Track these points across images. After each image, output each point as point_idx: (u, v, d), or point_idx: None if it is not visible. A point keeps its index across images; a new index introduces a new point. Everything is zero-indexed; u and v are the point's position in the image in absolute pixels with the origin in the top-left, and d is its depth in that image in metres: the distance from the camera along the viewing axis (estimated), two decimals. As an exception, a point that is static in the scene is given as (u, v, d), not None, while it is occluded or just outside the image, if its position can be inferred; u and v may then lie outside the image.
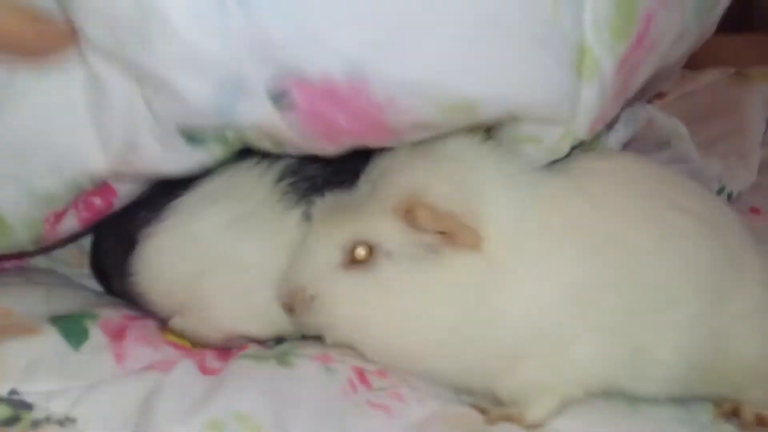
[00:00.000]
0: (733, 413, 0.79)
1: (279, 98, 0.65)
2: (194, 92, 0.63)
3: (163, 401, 0.64)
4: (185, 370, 0.70)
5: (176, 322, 0.86)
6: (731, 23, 1.15)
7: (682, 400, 0.80)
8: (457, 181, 0.76)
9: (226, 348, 0.85)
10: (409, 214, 0.74)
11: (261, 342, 0.86)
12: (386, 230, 0.76)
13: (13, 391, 0.63)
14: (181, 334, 0.86)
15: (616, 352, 0.75)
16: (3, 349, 0.66)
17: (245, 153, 0.91)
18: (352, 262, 0.77)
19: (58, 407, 0.62)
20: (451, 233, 0.74)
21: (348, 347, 0.79)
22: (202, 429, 0.61)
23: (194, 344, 0.84)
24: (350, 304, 0.77)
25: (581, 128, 0.74)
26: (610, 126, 0.96)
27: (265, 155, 0.91)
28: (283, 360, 0.74)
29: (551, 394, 0.77)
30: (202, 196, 0.88)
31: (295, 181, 0.89)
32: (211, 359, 0.78)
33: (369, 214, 0.77)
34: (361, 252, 0.77)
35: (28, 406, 0.62)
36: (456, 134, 0.78)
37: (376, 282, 0.76)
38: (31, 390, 0.63)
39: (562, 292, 0.74)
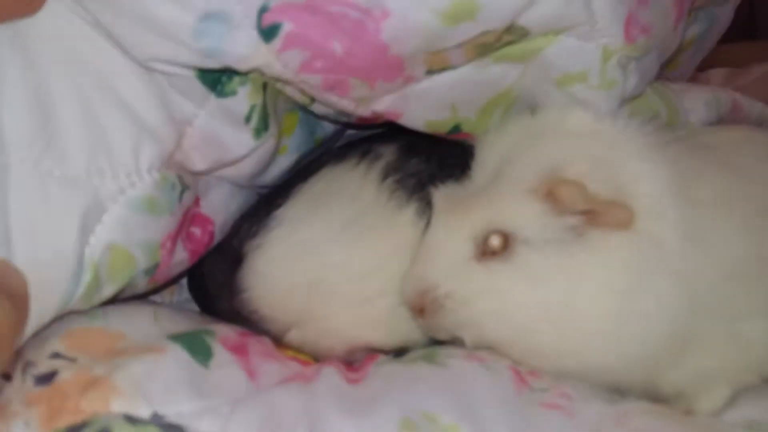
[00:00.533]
0: None
1: (268, 32, 0.61)
2: (176, 23, 0.59)
3: (324, 408, 0.57)
4: (331, 378, 0.63)
5: (294, 336, 0.79)
6: (735, 31, 1.12)
7: None
8: (597, 158, 0.70)
9: (349, 362, 0.79)
10: (551, 194, 0.68)
11: (385, 353, 0.79)
12: (522, 215, 0.70)
13: (155, 415, 0.56)
14: (299, 349, 0.79)
15: (787, 329, 0.68)
16: (132, 369, 0.60)
17: (341, 156, 0.88)
18: (485, 253, 0.71)
19: (210, 426, 0.56)
20: (598, 211, 0.67)
21: (491, 347, 0.72)
22: (399, 429, 0.54)
23: (316, 358, 0.78)
24: (490, 298, 0.70)
25: (614, 36, 0.67)
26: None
27: (362, 155, 0.86)
28: (432, 360, 0.67)
29: (723, 382, 0.70)
30: (308, 202, 0.83)
31: (401, 178, 0.83)
32: (345, 372, 0.71)
33: (499, 200, 0.71)
34: (495, 241, 0.71)
35: (178, 429, 0.55)
36: (572, 110, 0.73)
37: (517, 272, 0.70)
38: (176, 411, 0.57)
39: (728, 268, 0.67)
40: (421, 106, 0.75)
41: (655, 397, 0.71)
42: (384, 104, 0.74)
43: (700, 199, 0.69)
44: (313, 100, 0.75)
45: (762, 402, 0.68)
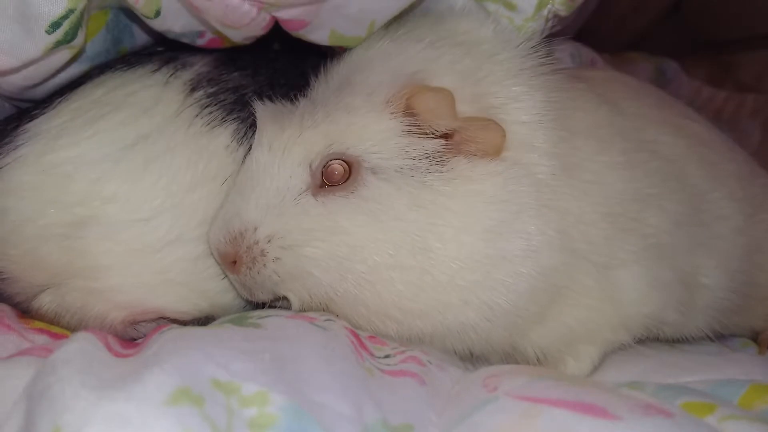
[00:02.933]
0: (774, 344, 0.68)
1: None
2: None
3: (58, 385, 0.36)
4: (81, 347, 0.41)
5: (47, 301, 0.56)
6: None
7: (721, 339, 0.67)
8: (468, 72, 0.56)
9: (131, 338, 0.57)
10: (410, 107, 0.53)
11: (182, 324, 0.59)
12: (371, 136, 0.55)
13: None
14: (55, 318, 0.56)
15: (664, 278, 0.60)
16: None
17: (133, 62, 0.66)
18: (323, 184, 0.55)
19: None
20: (465, 133, 0.54)
21: (325, 309, 0.55)
22: (166, 403, 0.34)
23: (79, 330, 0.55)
24: (326, 241, 0.54)
25: None
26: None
27: (165, 62, 0.65)
28: (242, 322, 0.48)
29: (592, 341, 0.60)
30: (76, 113, 0.59)
31: (216, 92, 0.64)
32: (115, 344, 0.49)
33: (344, 115, 0.55)
34: (337, 169, 0.55)
35: None
36: (457, 16, 0.60)
37: (362, 208, 0.54)
38: None
39: (606, 207, 0.57)
40: (336, 17, 0.59)
41: (515, 362, 0.60)
42: (293, 12, 0.57)
43: (576, 131, 0.59)
44: (158, 12, 0.56)
45: (635, 364, 0.59)
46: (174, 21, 0.60)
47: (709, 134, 0.70)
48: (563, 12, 0.62)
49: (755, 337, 0.71)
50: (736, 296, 0.65)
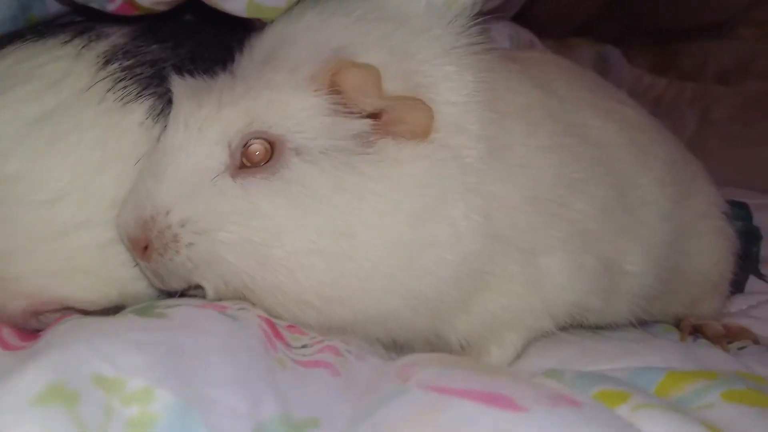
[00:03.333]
0: (696, 330, 0.69)
1: None
2: None
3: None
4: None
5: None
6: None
7: (644, 326, 0.68)
8: (397, 49, 0.54)
9: (34, 330, 0.53)
10: (335, 84, 0.51)
11: (89, 314, 0.55)
12: (295, 114, 0.52)
13: None
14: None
15: (589, 265, 0.59)
16: None
17: (43, 32, 0.61)
18: (243, 165, 0.52)
19: None
20: (393, 113, 0.52)
21: (242, 298, 0.53)
22: (32, 402, 0.31)
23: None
24: (245, 226, 0.51)
25: None
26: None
27: (78, 33, 0.61)
28: (147, 312, 0.45)
29: (516, 328, 0.59)
30: None
31: (132, 65, 0.60)
32: (10, 336, 0.46)
33: (267, 92, 0.52)
34: (258, 149, 0.52)
35: None
36: None
37: (284, 191, 0.52)
38: None
39: (532, 191, 0.57)
40: None
41: (439, 350, 0.59)
42: None
43: (506, 112, 0.58)
44: None
45: (557, 351, 0.59)
46: None
47: (641, 119, 0.70)
48: None
49: (678, 324, 0.72)
50: (660, 283, 0.65)
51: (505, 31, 0.91)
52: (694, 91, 1.88)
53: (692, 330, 0.70)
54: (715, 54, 2.13)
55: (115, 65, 0.59)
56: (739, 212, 1.00)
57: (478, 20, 0.60)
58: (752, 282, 0.88)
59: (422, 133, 0.53)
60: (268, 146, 0.52)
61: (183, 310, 0.45)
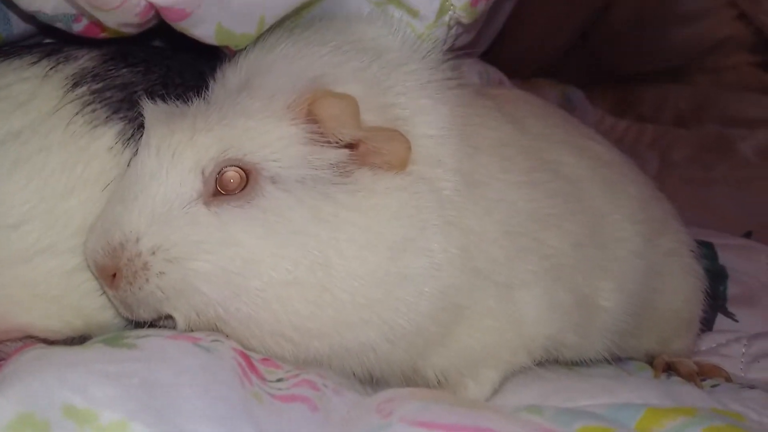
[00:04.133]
0: (668, 367, 0.69)
1: None
2: None
3: None
4: None
5: None
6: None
7: (618, 362, 0.68)
8: (375, 80, 0.54)
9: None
10: (312, 113, 0.51)
11: (52, 344, 0.52)
12: (271, 142, 0.51)
13: None
14: None
15: (563, 300, 0.59)
16: None
17: (11, 52, 0.59)
18: (217, 193, 0.51)
19: None
20: (370, 144, 0.52)
21: (214, 329, 0.51)
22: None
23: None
24: (219, 255, 0.50)
25: None
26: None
27: (46, 54, 0.59)
28: (116, 342, 0.43)
29: (493, 364, 0.58)
30: None
31: (102, 88, 0.58)
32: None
33: (242, 119, 0.51)
34: (233, 177, 0.51)
35: None
36: (364, 21, 0.58)
37: (259, 220, 0.51)
38: None
39: (507, 226, 0.56)
40: (220, 9, 0.55)
41: (415, 385, 0.57)
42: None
43: (481, 147, 0.58)
44: None
45: (534, 387, 0.59)
46: (44, 1, 0.55)
47: (612, 156, 0.71)
48: (465, 19, 0.62)
49: (651, 361, 0.72)
50: (633, 319, 0.65)
51: (475, 68, 0.93)
52: (654, 132, 1.94)
53: (666, 367, 0.70)
54: (672, 97, 2.21)
55: (84, 88, 0.57)
56: (705, 251, 1.02)
57: (451, 56, 0.61)
58: (720, 320, 0.89)
59: (399, 164, 0.52)
60: (243, 174, 0.51)
61: (154, 341, 0.43)
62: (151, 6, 0.54)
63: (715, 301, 0.91)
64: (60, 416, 0.32)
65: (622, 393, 0.57)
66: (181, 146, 0.51)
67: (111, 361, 0.38)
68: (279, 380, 0.48)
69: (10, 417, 0.31)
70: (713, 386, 0.67)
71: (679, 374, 0.68)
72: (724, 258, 1.01)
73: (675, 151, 1.80)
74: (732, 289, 0.95)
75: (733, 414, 0.54)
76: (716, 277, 0.96)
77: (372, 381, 0.57)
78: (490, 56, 1.21)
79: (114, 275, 0.50)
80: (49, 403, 0.32)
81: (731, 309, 0.91)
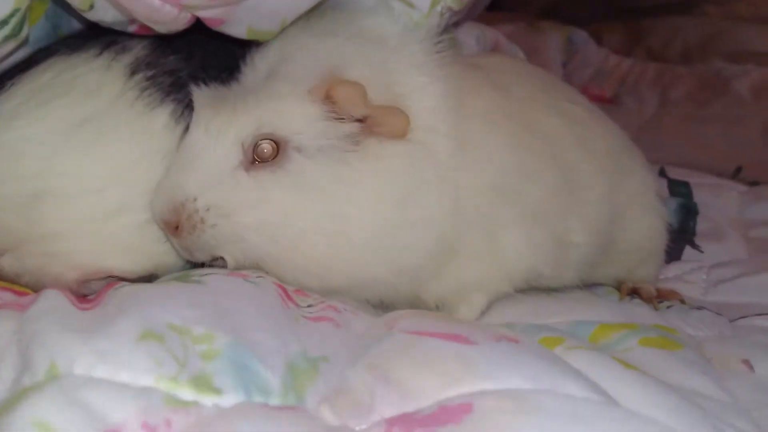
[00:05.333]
0: (633, 292, 0.82)
1: None
2: None
3: (43, 328, 0.45)
4: (54, 300, 0.50)
5: (8, 263, 0.63)
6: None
7: (590, 288, 0.81)
8: (379, 64, 0.66)
9: (83, 295, 0.65)
10: (329, 96, 0.63)
11: (130, 282, 0.67)
12: (297, 119, 0.63)
13: None
14: (15, 279, 0.63)
15: (540, 239, 0.72)
16: None
17: (76, 46, 0.71)
18: (254, 161, 0.64)
19: None
20: (376, 118, 0.64)
21: (257, 267, 0.65)
22: (136, 340, 0.43)
23: (38, 290, 0.62)
24: (259, 210, 0.63)
25: None
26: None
27: (105, 46, 0.71)
28: (186, 279, 0.57)
29: (480, 291, 0.72)
30: (28, 95, 0.66)
31: (154, 74, 0.70)
32: (74, 300, 0.57)
33: (272, 101, 0.64)
34: (266, 148, 0.63)
35: None
36: (368, 13, 0.68)
37: (289, 182, 0.63)
38: None
39: (493, 180, 0.69)
40: (251, 15, 0.66)
41: (417, 309, 0.71)
42: (211, 13, 0.65)
43: (473, 114, 0.70)
44: (92, 5, 0.63)
45: (514, 309, 0.72)
46: (105, 13, 0.66)
47: (586, 114, 0.82)
48: (456, 6, 0.72)
49: (619, 287, 0.85)
50: (601, 252, 0.78)
51: (472, 33, 1.00)
52: (655, 71, 2.01)
53: (630, 291, 0.83)
54: (682, 31, 2.24)
55: (140, 75, 0.69)
56: (681, 190, 1.13)
57: (447, 30, 0.72)
58: (688, 252, 1.02)
59: (400, 134, 0.65)
60: (274, 145, 0.64)
61: (215, 278, 0.57)
62: (195, 16, 0.65)
63: (685, 234, 1.04)
64: (168, 331, 0.46)
65: (584, 313, 0.70)
66: (225, 125, 0.64)
67: (189, 293, 0.52)
68: (309, 306, 0.62)
69: (138, 331, 0.45)
70: (668, 307, 0.80)
71: (641, 298, 0.81)
72: (699, 196, 1.13)
73: (674, 89, 1.87)
74: (701, 225, 1.07)
75: (670, 329, 0.68)
76: (688, 214, 1.08)
77: (382, 306, 0.71)
78: (495, 2, 1.27)
79: (176, 227, 0.64)
80: (159, 323, 0.46)
81: (698, 242, 1.03)
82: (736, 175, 1.46)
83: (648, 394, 0.47)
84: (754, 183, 1.38)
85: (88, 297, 0.63)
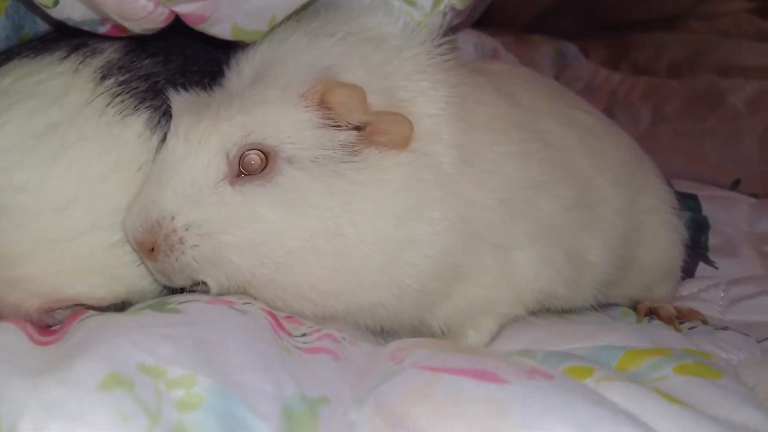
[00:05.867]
0: (651, 312, 0.76)
1: None
2: None
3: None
4: (8, 337, 0.43)
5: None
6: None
7: (605, 308, 0.75)
8: (379, 67, 0.60)
9: (46, 325, 0.57)
10: (324, 101, 0.56)
11: (99, 310, 0.59)
12: (287, 127, 0.57)
13: None
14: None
15: (554, 257, 0.66)
16: None
17: (40, 48, 0.64)
18: (240, 174, 0.57)
19: None
20: (376, 125, 0.57)
21: (243, 292, 0.58)
22: (98, 388, 0.36)
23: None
24: (245, 229, 0.56)
25: None
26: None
27: (74, 49, 0.64)
28: (161, 308, 0.50)
29: (490, 314, 0.65)
30: None
31: (128, 79, 0.64)
32: (34, 333, 0.50)
33: (261, 107, 0.57)
34: (254, 159, 0.57)
35: None
36: (366, 12, 0.63)
37: (279, 197, 0.57)
38: None
39: (502, 194, 0.63)
40: (235, 12, 0.60)
41: (422, 336, 0.65)
42: (191, 7, 0.59)
43: (477, 123, 0.64)
44: (57, 2, 0.57)
45: (528, 334, 0.66)
46: (73, 10, 0.60)
47: (598, 124, 0.77)
48: (459, 5, 0.67)
49: (635, 307, 0.79)
50: (617, 271, 0.72)
51: (471, 40, 0.97)
52: (647, 85, 1.98)
53: (648, 312, 0.77)
54: (668, 46, 2.22)
55: (112, 80, 0.62)
56: (690, 203, 1.08)
57: (447, 34, 0.66)
58: (702, 268, 0.97)
59: (403, 143, 0.58)
60: (263, 156, 0.57)
61: (196, 305, 0.50)
62: (173, 13, 0.59)
63: (697, 250, 0.98)
64: (138, 373, 0.39)
65: (605, 337, 0.64)
66: (207, 133, 0.57)
67: (164, 325, 0.45)
68: (303, 335, 0.55)
69: (101, 376, 0.37)
70: (690, 328, 0.74)
71: (659, 318, 0.75)
72: (708, 209, 1.08)
73: (667, 103, 1.84)
74: (713, 239, 1.01)
75: (704, 354, 0.61)
76: (699, 228, 1.03)
77: (383, 333, 0.64)
78: (485, 14, 1.24)
79: (152, 249, 0.57)
80: (127, 363, 0.39)
81: (712, 257, 0.98)
82: (734, 188, 1.43)
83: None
84: (753, 196, 1.34)
85: (52, 328, 0.56)
